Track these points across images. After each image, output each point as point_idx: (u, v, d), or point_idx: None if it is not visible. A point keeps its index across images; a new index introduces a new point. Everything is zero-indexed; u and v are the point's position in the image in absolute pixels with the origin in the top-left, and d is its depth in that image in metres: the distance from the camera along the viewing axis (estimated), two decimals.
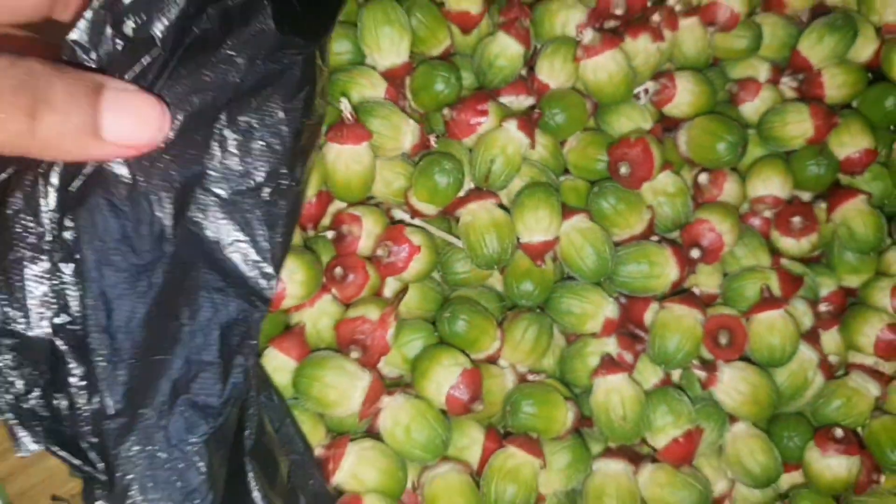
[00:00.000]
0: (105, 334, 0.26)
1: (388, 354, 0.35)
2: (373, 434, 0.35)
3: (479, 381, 0.35)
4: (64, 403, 0.27)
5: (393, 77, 0.39)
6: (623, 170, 0.37)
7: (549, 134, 0.39)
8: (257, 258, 0.27)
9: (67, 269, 0.26)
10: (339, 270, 0.36)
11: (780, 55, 0.44)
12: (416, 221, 0.38)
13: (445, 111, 0.38)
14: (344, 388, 0.33)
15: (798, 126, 0.41)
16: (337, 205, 0.38)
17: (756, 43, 0.43)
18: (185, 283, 0.26)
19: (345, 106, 0.36)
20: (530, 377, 0.37)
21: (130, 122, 0.25)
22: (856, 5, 0.44)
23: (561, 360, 0.39)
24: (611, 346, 0.37)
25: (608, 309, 0.37)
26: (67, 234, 0.26)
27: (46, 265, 0.26)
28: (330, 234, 0.37)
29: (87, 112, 0.24)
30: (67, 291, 0.26)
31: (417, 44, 0.39)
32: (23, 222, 0.26)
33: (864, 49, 0.44)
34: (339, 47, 0.39)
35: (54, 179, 0.25)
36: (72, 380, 0.27)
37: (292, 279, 0.34)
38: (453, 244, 0.38)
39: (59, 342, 0.26)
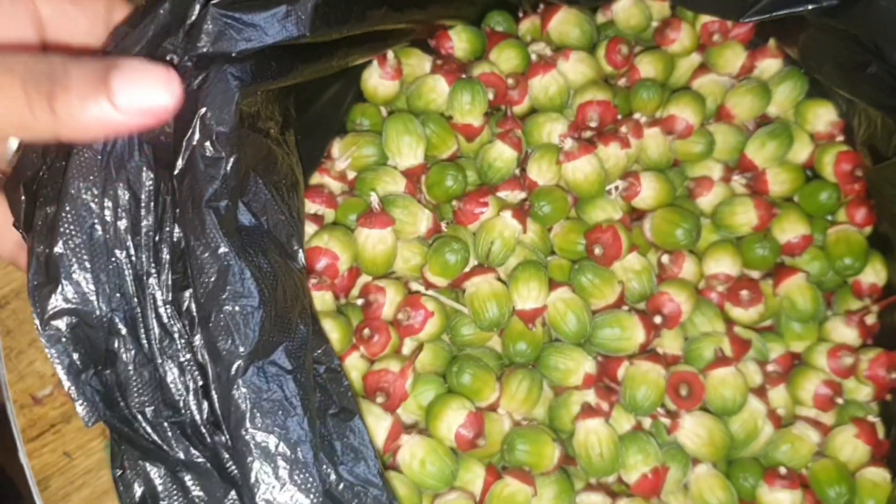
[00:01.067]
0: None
1: (406, 401, 0.42)
2: (393, 467, 0.42)
3: (483, 422, 0.41)
4: (116, 378, 0.30)
5: (411, 175, 0.47)
6: (597, 251, 0.45)
7: (539, 222, 0.47)
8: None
9: (121, 254, 0.31)
10: (367, 331, 0.43)
11: (730, 158, 0.51)
12: (430, 292, 0.45)
13: (454, 203, 0.46)
14: (370, 428, 0.40)
15: (744, 216, 0.48)
16: (365, 278, 0.45)
17: (710, 148, 0.50)
18: None
19: (373, 198, 0.44)
20: (524, 423, 0.44)
21: (141, 88, 0.26)
22: (793, 117, 0.52)
23: (549, 409, 0.45)
24: (590, 396, 0.43)
25: (587, 366, 0.44)
26: (121, 223, 0.31)
27: (103, 249, 0.30)
28: (359, 302, 0.44)
29: (99, 87, 0.26)
30: (124, 274, 0.31)
31: (430, 149, 0.48)
32: (79, 211, 0.30)
33: (802, 152, 0.51)
34: (367, 151, 0.48)
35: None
36: (126, 355, 0.31)
37: (329, 338, 0.42)
38: (460, 311, 0.46)
39: (116, 319, 0.31)
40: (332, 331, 0.41)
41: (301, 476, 0.30)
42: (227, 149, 0.31)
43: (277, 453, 0.30)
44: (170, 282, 0.32)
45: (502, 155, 0.47)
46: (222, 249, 0.31)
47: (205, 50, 0.31)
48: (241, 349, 0.31)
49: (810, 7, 0.41)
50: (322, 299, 0.43)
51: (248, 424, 0.30)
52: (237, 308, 0.31)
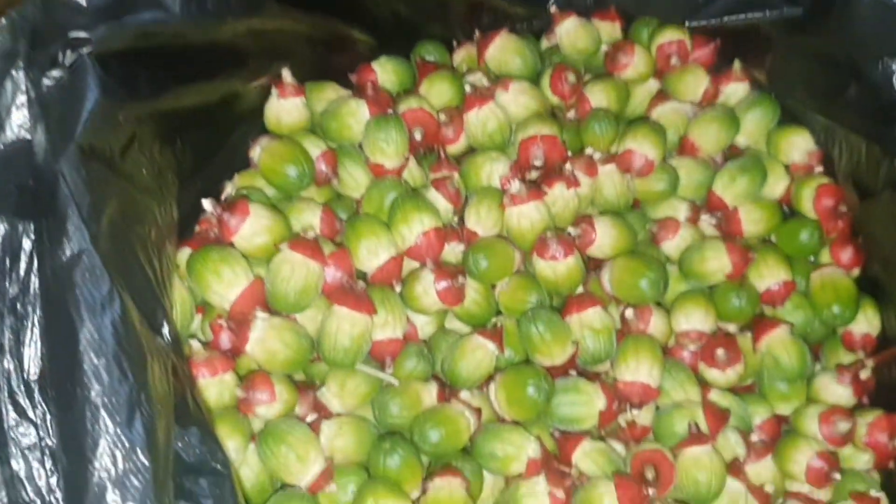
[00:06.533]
0: None
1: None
2: None
3: None
4: None
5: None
6: None
7: (478, 280, 0.40)
8: None
9: None
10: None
11: (697, 195, 0.46)
12: (364, 367, 0.39)
13: None
14: None
15: (716, 262, 0.42)
16: None
17: (673, 185, 0.45)
18: None
19: None
20: None
21: None
22: (765, 147, 0.47)
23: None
24: (540, 485, 0.37)
25: (530, 449, 0.37)
26: None
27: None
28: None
29: None
30: None
31: (342, 186, 0.43)
32: None
33: (777, 186, 0.46)
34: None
35: None
36: None
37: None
38: (390, 384, 0.39)
39: None
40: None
41: None
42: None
43: None
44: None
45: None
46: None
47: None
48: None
49: (768, 13, 0.35)
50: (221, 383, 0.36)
51: None
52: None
